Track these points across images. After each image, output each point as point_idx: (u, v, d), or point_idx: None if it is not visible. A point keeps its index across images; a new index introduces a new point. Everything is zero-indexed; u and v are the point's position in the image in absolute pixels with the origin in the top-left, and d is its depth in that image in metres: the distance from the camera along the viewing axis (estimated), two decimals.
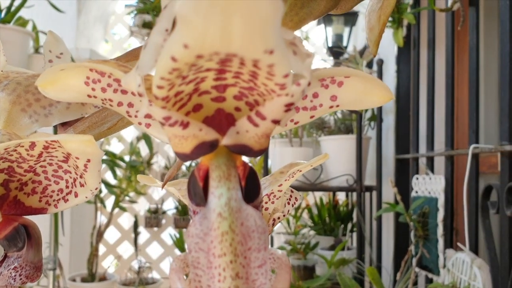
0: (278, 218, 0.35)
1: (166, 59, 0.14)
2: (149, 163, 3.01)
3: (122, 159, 2.65)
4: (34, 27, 2.11)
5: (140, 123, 0.23)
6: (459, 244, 1.18)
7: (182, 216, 3.13)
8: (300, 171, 0.33)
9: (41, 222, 2.27)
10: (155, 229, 3.20)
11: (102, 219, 2.69)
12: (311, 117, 0.23)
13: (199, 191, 0.20)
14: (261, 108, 0.17)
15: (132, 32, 2.77)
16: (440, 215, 1.32)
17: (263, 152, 0.19)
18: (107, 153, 2.54)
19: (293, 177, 0.33)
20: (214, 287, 0.16)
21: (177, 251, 3.08)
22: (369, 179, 2.07)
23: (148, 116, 0.19)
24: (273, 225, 0.36)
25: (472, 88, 1.19)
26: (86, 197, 0.27)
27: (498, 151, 1.01)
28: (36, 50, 2.11)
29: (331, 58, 2.38)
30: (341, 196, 2.59)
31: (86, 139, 0.22)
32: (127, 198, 2.80)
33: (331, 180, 1.85)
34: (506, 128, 0.99)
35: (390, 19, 1.72)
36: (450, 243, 1.32)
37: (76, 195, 0.27)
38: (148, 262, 2.98)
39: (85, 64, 0.21)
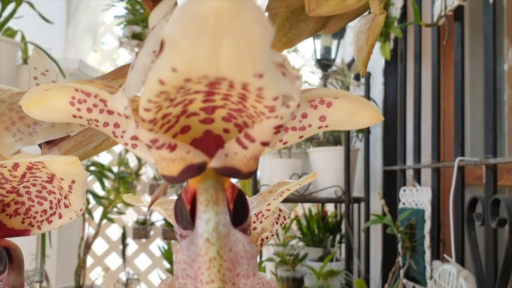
0: (267, 238, 0.35)
1: (154, 82, 0.14)
2: (137, 174, 2.99)
3: (110, 170, 2.63)
4: (23, 38, 2.09)
5: (126, 144, 0.23)
6: (445, 255, 1.18)
7: (171, 228, 3.11)
8: (289, 190, 0.32)
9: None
10: (143, 240, 3.17)
11: (89, 230, 2.66)
12: (300, 137, 0.23)
13: (186, 215, 0.20)
14: (250, 130, 0.17)
15: (122, 43, 2.77)
16: (427, 226, 1.32)
17: (252, 174, 0.19)
18: (95, 164, 2.52)
19: (281, 196, 0.33)
20: None
21: (165, 263, 3.05)
22: (357, 191, 2.08)
23: (134, 137, 0.19)
24: (261, 245, 0.35)
25: (457, 101, 1.20)
26: (71, 218, 0.26)
27: (483, 164, 1.02)
28: (25, 61, 2.09)
29: (320, 70, 2.40)
30: (329, 207, 2.59)
31: (71, 160, 0.22)
32: (115, 209, 2.77)
33: (320, 192, 1.85)
34: (490, 142, 1.00)
35: None
36: (437, 255, 1.32)
37: (60, 216, 0.26)
38: (136, 273, 2.95)
39: (70, 84, 0.20)
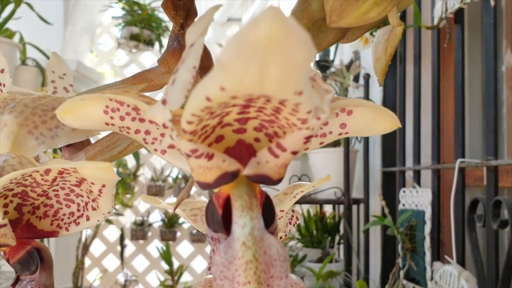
0: (281, 238, 0.36)
1: (201, 98, 0.15)
2: (135, 175, 3.00)
3: None
4: (21, 39, 2.10)
5: (155, 150, 0.24)
6: (446, 257, 1.19)
7: (168, 229, 3.12)
8: (302, 192, 0.33)
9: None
10: (141, 241, 3.17)
11: (87, 231, 2.66)
12: (321, 143, 0.24)
13: (218, 218, 0.21)
14: (281, 140, 0.18)
15: (120, 44, 2.77)
16: (427, 228, 1.34)
17: (281, 181, 0.20)
18: None
19: (295, 197, 0.34)
20: None
21: (163, 264, 3.06)
22: (356, 192, 2.09)
23: (171, 146, 0.20)
24: None
25: (458, 103, 1.21)
26: (98, 221, 0.27)
27: (484, 165, 1.04)
28: (23, 62, 2.10)
29: (318, 71, 2.41)
30: (327, 208, 2.60)
31: (105, 166, 0.23)
32: (113, 210, 2.77)
33: (319, 193, 1.86)
34: (491, 143, 1.01)
35: (375, 33, 1.75)
36: (437, 256, 1.33)
37: (87, 219, 0.27)
38: (134, 275, 2.95)
39: (106, 94, 0.21)
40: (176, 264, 2.85)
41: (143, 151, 2.92)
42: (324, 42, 0.24)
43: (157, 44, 2.82)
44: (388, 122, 0.24)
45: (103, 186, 0.25)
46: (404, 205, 1.49)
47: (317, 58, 2.37)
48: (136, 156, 2.74)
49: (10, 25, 1.98)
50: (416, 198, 1.42)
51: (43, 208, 0.27)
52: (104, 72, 3.65)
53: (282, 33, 0.12)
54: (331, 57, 2.35)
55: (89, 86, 2.98)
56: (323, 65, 2.33)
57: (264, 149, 0.18)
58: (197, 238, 3.18)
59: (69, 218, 0.28)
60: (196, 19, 0.19)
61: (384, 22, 0.27)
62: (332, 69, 2.30)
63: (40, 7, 2.06)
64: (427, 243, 1.33)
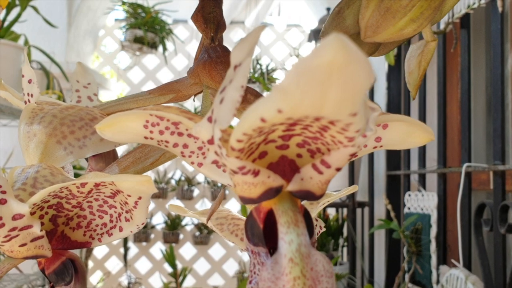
0: None
1: (255, 119, 0.15)
2: None
3: None
4: (26, 42, 2.10)
5: (192, 162, 0.24)
6: (453, 260, 1.20)
7: (171, 231, 3.12)
8: (329, 201, 0.34)
9: None
10: (144, 243, 3.17)
11: None
12: (355, 156, 0.25)
13: (259, 233, 0.21)
14: (326, 157, 0.18)
15: (123, 47, 2.77)
16: (433, 231, 1.34)
17: (322, 196, 0.20)
18: None
19: (321, 207, 0.34)
20: None
21: (166, 266, 3.06)
22: (361, 195, 2.10)
23: (215, 162, 0.20)
24: None
25: (464, 107, 1.22)
26: (131, 231, 0.27)
27: (491, 170, 1.04)
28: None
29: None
30: (330, 211, 2.61)
31: (145, 179, 0.23)
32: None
33: None
34: (498, 148, 1.02)
35: None
36: (443, 259, 1.34)
37: (120, 229, 0.28)
38: (137, 277, 2.96)
39: (147, 110, 0.22)
40: (178, 266, 2.85)
41: None
42: None
43: (160, 47, 2.83)
44: (423, 135, 0.24)
45: (139, 198, 0.25)
46: (409, 208, 1.49)
47: None
48: None
49: (15, 28, 1.98)
50: (421, 201, 1.42)
51: (76, 219, 0.28)
52: (105, 74, 3.65)
53: (345, 60, 0.13)
54: None
55: None
56: None
57: (308, 165, 0.19)
58: (200, 241, 3.18)
59: (101, 229, 0.28)
60: (241, 38, 0.19)
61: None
62: None
63: (44, 9, 2.07)
64: (433, 246, 1.33)
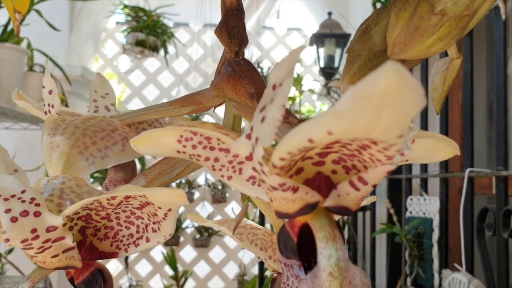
0: None
1: (302, 139, 0.16)
2: None
3: None
4: (29, 45, 2.11)
5: (222, 176, 0.25)
6: (455, 264, 1.20)
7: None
8: None
9: None
10: None
11: None
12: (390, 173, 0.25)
13: (293, 246, 0.21)
14: (363, 174, 0.19)
15: (125, 50, 2.78)
16: (435, 235, 1.35)
17: (356, 211, 0.21)
18: (100, 170, 2.52)
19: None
20: None
21: (166, 269, 3.06)
22: None
23: (251, 177, 0.20)
24: None
25: (466, 113, 1.22)
26: (158, 242, 0.28)
27: (494, 175, 1.05)
28: (30, 68, 2.10)
29: (323, 78, 2.42)
30: None
31: (178, 193, 0.24)
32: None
33: None
34: (501, 154, 1.03)
35: None
36: (445, 263, 1.34)
37: (147, 240, 0.28)
38: (137, 280, 2.95)
39: (183, 127, 0.22)
40: (179, 269, 2.85)
41: (147, 156, 2.92)
42: None
43: (161, 50, 2.83)
44: (448, 150, 0.25)
45: (169, 210, 0.25)
46: (411, 212, 1.50)
47: (322, 65, 2.39)
48: (142, 161, 2.75)
49: None
50: (423, 206, 1.43)
51: (103, 230, 0.28)
52: (111, 76, 3.65)
53: (399, 86, 0.13)
54: (336, 64, 2.36)
55: None
56: (328, 72, 2.34)
57: (345, 182, 0.19)
58: (200, 243, 3.18)
59: (128, 239, 0.29)
60: (281, 59, 0.19)
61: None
62: (337, 76, 2.32)
63: (46, 13, 2.07)
64: (435, 250, 1.34)
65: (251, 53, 3.17)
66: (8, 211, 0.24)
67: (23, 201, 0.24)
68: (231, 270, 3.23)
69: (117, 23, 3.34)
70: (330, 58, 2.37)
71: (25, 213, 0.24)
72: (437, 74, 0.27)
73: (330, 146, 0.19)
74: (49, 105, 0.37)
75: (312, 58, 3.03)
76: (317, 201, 0.20)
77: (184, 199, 0.24)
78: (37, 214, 0.24)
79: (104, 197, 0.25)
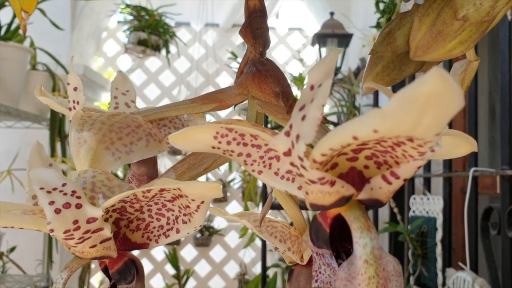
0: None
1: (347, 136, 0.17)
2: None
3: (116, 175, 2.65)
4: (32, 44, 2.12)
5: (253, 170, 0.26)
6: (460, 263, 1.22)
7: None
8: None
9: (35, 239, 2.23)
10: None
11: None
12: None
13: (325, 237, 0.23)
14: (396, 169, 0.20)
15: (127, 49, 2.79)
16: (439, 234, 1.36)
17: (386, 204, 0.22)
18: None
19: None
20: None
21: (167, 268, 3.07)
22: None
23: (288, 171, 0.22)
24: None
25: (471, 113, 1.24)
26: (188, 233, 0.29)
27: (499, 175, 1.06)
28: (33, 67, 2.11)
29: None
30: None
31: (214, 186, 0.25)
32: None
33: None
34: (506, 153, 1.04)
35: None
36: (448, 262, 1.36)
37: (177, 231, 0.29)
38: None
39: (220, 124, 0.24)
40: (180, 268, 2.87)
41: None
42: (405, 73, 0.27)
43: (163, 50, 2.84)
44: (466, 146, 0.26)
45: (202, 202, 0.27)
46: (414, 212, 1.51)
47: None
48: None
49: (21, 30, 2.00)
50: (427, 205, 1.44)
51: (136, 222, 0.30)
52: (107, 74, 3.67)
53: (443, 89, 0.15)
54: (338, 64, 2.38)
55: (96, 90, 3.00)
56: None
57: (378, 176, 0.21)
58: (201, 242, 3.20)
59: (158, 231, 0.30)
60: (319, 61, 0.20)
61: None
62: (339, 76, 2.33)
63: (48, 12, 2.07)
64: (439, 249, 1.36)
65: None
66: (51, 203, 0.25)
67: (65, 194, 0.25)
68: (232, 269, 3.24)
69: (119, 22, 3.35)
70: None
71: (67, 205, 0.25)
72: (455, 76, 0.28)
73: (365, 143, 0.20)
74: (74, 101, 0.38)
75: (313, 58, 3.05)
76: (352, 194, 0.21)
77: (219, 191, 0.25)
78: (78, 206, 0.25)
79: (140, 190, 0.26)
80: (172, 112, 0.39)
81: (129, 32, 2.77)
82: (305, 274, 0.35)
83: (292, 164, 0.21)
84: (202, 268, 3.25)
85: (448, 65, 1.25)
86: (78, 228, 0.25)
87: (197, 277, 3.22)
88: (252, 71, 0.32)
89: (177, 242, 3.14)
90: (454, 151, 0.26)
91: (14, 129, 2.17)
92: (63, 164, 2.01)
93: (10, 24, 1.89)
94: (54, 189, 0.25)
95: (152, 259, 3.19)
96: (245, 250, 3.06)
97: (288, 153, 0.21)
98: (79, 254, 0.27)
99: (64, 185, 0.26)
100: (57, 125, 2.10)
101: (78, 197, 0.26)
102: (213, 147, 0.25)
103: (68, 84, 0.39)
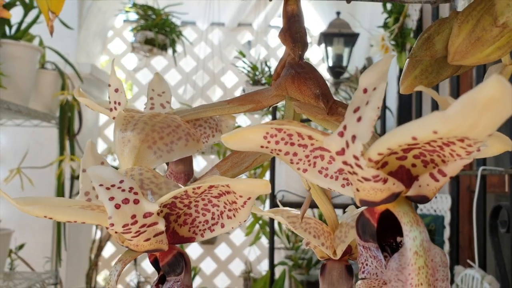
0: None
1: (407, 136, 0.19)
2: None
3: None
4: (41, 43, 2.13)
5: (298, 168, 0.28)
6: (468, 261, 1.23)
7: None
8: None
9: (42, 237, 2.24)
10: None
11: (101, 233, 2.70)
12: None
13: (371, 230, 0.24)
14: (443, 167, 0.22)
15: (134, 48, 2.81)
16: (447, 232, 1.37)
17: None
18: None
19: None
20: None
21: None
22: None
23: (340, 170, 0.23)
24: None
25: None
26: (232, 228, 0.31)
27: (508, 173, 1.08)
28: (42, 66, 2.13)
29: (331, 77, 2.45)
30: (338, 212, 2.64)
31: (264, 183, 0.26)
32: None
33: (335, 198, 1.90)
34: None
35: (393, 43, 1.79)
36: (456, 260, 1.37)
37: (222, 226, 0.31)
38: (146, 277, 2.99)
39: (270, 125, 0.25)
40: None
41: None
42: (442, 76, 0.28)
43: (170, 49, 2.86)
44: (500, 146, 0.28)
45: (249, 198, 0.28)
46: (422, 210, 1.53)
47: (331, 64, 2.41)
48: None
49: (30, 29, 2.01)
50: (434, 203, 1.46)
51: (183, 217, 0.31)
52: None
53: (501, 95, 0.16)
54: (344, 63, 2.39)
55: (102, 89, 3.02)
56: (337, 71, 2.37)
57: (426, 174, 0.22)
58: (206, 240, 3.21)
59: (203, 225, 0.31)
60: (372, 65, 0.22)
61: None
62: (346, 75, 2.34)
63: None
64: (447, 247, 1.37)
65: (258, 52, 3.20)
66: (111, 199, 0.26)
67: (123, 190, 0.27)
68: (237, 267, 3.26)
69: (125, 21, 3.37)
70: (338, 57, 2.40)
71: (126, 201, 0.27)
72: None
73: (416, 143, 0.22)
74: (115, 102, 0.40)
75: (318, 57, 3.06)
76: (401, 191, 0.23)
77: (268, 188, 0.27)
78: (136, 202, 0.27)
79: (191, 187, 0.28)
80: (208, 113, 0.40)
81: (136, 31, 2.78)
82: (337, 268, 0.37)
83: (344, 162, 0.22)
84: (208, 266, 3.27)
85: (483, 69, 1.26)
86: (136, 222, 0.27)
87: (203, 275, 3.24)
88: (291, 73, 0.33)
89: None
90: (488, 150, 0.28)
91: (23, 128, 2.19)
92: (72, 162, 2.03)
93: (20, 24, 1.91)
94: (113, 185, 0.27)
95: None
96: (250, 248, 3.08)
97: (341, 153, 0.22)
98: (134, 248, 0.29)
99: (121, 181, 0.27)
100: (66, 124, 2.11)
101: (136, 193, 0.27)
102: (262, 147, 0.27)
103: (109, 85, 0.40)
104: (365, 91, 0.22)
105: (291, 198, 1.86)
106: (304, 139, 0.26)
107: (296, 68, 0.33)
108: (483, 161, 1.24)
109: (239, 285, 3.13)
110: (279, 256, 2.55)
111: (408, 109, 1.86)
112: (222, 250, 3.30)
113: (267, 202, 2.37)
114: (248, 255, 3.16)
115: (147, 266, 3.21)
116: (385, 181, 0.22)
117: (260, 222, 2.26)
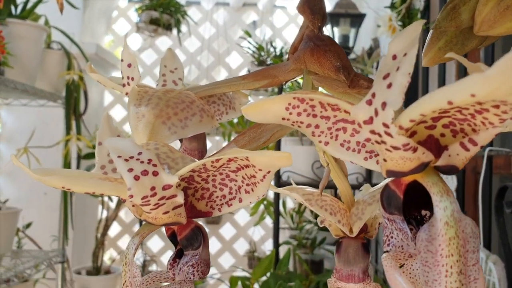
0: (380, 223, 0.40)
1: (442, 101, 0.18)
2: None
3: None
4: (46, 22, 2.12)
5: (320, 141, 0.27)
6: None
7: None
8: None
9: (50, 216, 2.26)
10: None
11: (108, 212, 2.71)
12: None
13: (397, 202, 0.24)
14: (474, 136, 0.21)
15: (139, 28, 2.78)
16: None
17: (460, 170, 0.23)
18: None
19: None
20: (440, 281, 0.21)
21: None
22: (377, 177, 2.13)
23: (367, 139, 0.23)
24: (377, 228, 0.40)
25: None
26: (251, 202, 0.30)
27: None
28: (48, 45, 2.12)
29: None
30: None
31: (285, 156, 0.26)
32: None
33: None
34: None
35: (400, 23, 1.77)
36: None
37: (240, 201, 0.30)
38: (149, 255, 3.01)
39: (292, 94, 0.25)
40: None
41: None
42: (467, 48, 0.27)
43: (174, 29, 2.83)
44: None
45: (268, 172, 0.28)
46: None
47: None
48: None
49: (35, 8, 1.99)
50: None
51: (200, 191, 0.31)
52: (117, 54, 3.66)
53: None
54: (350, 44, 2.37)
55: (107, 69, 3.00)
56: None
57: (456, 143, 0.22)
58: (211, 220, 3.23)
59: (221, 200, 0.31)
60: (398, 33, 0.21)
61: None
62: (353, 56, 2.32)
63: None
64: None
65: (263, 32, 3.17)
66: (130, 170, 0.26)
67: (142, 162, 0.26)
68: (242, 247, 3.29)
69: (129, 1, 3.33)
70: (345, 38, 2.37)
71: (145, 172, 0.26)
72: None
73: (447, 111, 0.21)
74: (128, 77, 0.39)
75: None
76: (430, 161, 0.22)
77: (289, 161, 0.26)
78: (155, 174, 0.26)
79: (210, 159, 0.28)
80: (223, 89, 0.40)
81: (141, 11, 2.76)
82: (354, 246, 0.37)
83: (372, 131, 0.22)
84: (212, 245, 3.30)
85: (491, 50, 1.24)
86: (155, 194, 0.27)
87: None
88: (310, 46, 0.32)
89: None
90: None
91: (29, 107, 2.19)
92: (78, 141, 2.03)
93: (26, 3, 1.89)
94: (131, 157, 0.26)
95: (163, 236, 3.23)
96: (255, 228, 3.09)
97: (369, 121, 0.22)
98: (152, 220, 0.28)
99: (140, 153, 0.27)
100: (72, 103, 2.11)
101: (154, 165, 0.27)
102: (283, 118, 0.26)
103: (122, 60, 0.39)
104: (394, 57, 0.21)
105: (296, 178, 1.86)
106: (327, 111, 0.26)
107: (315, 41, 0.33)
108: (490, 142, 1.23)
109: (243, 265, 3.16)
110: (283, 236, 2.56)
111: (415, 89, 1.85)
112: (227, 230, 3.32)
113: (272, 183, 2.37)
114: (252, 235, 3.18)
115: (152, 245, 3.23)
116: (415, 150, 0.21)
117: (265, 202, 2.27)
